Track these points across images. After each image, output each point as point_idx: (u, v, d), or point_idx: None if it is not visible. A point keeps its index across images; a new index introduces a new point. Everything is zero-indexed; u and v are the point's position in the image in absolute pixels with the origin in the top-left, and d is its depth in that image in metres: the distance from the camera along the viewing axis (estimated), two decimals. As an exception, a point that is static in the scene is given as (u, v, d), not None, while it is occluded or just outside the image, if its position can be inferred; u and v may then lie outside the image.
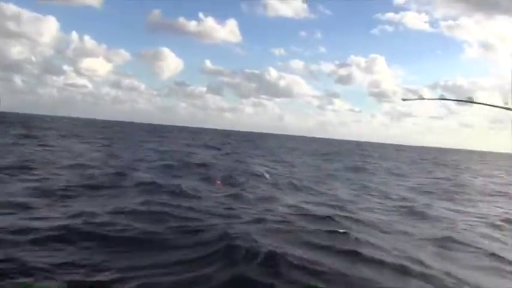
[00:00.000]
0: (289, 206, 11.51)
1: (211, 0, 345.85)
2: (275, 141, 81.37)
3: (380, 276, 6.15)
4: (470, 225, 11.09)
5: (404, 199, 15.06)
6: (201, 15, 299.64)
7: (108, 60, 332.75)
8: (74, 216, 8.40)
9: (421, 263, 6.97)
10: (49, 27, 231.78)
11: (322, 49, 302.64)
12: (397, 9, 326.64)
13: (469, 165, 47.47)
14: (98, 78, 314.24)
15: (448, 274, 6.50)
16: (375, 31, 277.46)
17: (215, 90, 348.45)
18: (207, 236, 7.60)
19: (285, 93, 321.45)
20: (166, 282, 5.52)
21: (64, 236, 7.00)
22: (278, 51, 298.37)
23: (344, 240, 7.86)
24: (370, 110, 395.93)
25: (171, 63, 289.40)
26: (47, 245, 6.57)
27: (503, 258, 7.83)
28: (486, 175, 32.51)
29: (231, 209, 10.46)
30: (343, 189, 16.72)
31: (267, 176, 18.06)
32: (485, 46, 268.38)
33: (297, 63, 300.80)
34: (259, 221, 9.05)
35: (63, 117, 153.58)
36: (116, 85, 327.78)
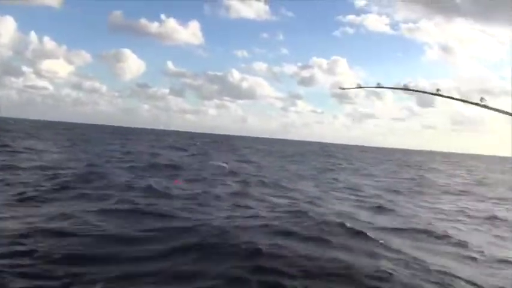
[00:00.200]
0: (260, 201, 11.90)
1: (173, 1, 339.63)
2: (240, 143, 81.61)
3: (350, 257, 6.75)
4: (435, 218, 11.88)
5: (371, 196, 15.70)
6: (163, 16, 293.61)
7: (69, 61, 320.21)
8: (41, 216, 8.16)
9: (391, 249, 7.48)
10: (7, 28, 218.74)
11: (285, 51, 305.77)
12: (359, 12, 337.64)
13: (432, 165, 49.70)
14: (58, 80, 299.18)
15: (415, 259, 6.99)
16: (336, 33, 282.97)
17: (178, 92, 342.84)
18: (183, 232, 7.65)
19: (248, 95, 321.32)
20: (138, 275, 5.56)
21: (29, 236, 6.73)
22: (241, 53, 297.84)
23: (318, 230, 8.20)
24: (332, 111, 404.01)
25: (132, 64, 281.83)
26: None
27: (465, 243, 8.63)
28: (449, 175, 34.33)
29: (203, 205, 10.58)
30: (312, 187, 17.17)
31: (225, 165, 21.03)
32: (445, 48, 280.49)
33: (260, 65, 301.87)
34: (231, 216, 9.26)
35: (25, 120, 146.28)
36: (77, 87, 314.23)
